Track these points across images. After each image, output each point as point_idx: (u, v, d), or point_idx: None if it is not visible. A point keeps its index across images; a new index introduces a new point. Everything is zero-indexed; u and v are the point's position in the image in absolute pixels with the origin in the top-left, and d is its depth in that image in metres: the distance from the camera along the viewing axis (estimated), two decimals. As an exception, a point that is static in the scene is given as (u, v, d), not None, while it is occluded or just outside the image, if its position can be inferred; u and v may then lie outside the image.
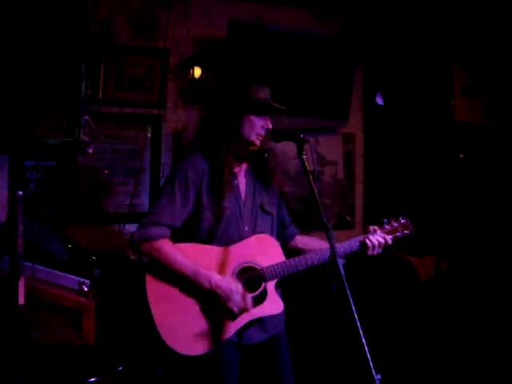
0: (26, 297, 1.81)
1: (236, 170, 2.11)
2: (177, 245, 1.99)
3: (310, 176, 1.82)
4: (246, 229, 2.06)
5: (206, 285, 1.92)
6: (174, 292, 1.97)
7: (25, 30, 1.54)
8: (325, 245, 1.98)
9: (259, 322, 2.03)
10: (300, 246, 2.27)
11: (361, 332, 1.54)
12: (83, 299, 2.43)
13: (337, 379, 3.15)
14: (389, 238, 2.11)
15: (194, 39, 3.95)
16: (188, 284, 1.95)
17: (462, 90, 4.04)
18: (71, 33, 1.56)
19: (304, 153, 1.87)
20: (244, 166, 2.14)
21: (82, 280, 2.47)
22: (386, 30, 4.05)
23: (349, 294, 1.60)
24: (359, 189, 4.34)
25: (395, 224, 2.17)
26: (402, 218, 2.19)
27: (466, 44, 3.94)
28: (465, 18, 3.83)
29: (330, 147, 4.19)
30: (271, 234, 2.14)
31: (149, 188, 3.87)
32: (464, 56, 4.01)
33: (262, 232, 2.08)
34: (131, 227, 3.82)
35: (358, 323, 1.55)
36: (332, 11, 4.16)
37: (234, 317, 1.93)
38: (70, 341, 2.38)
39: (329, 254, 1.85)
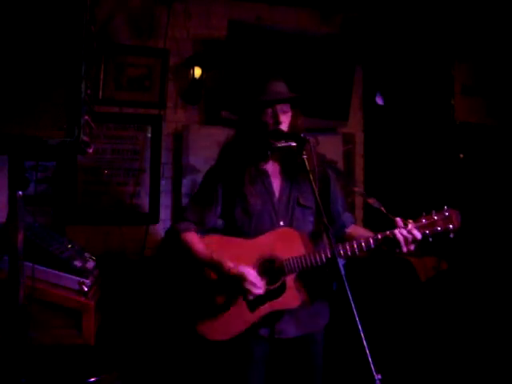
0: (26, 297, 1.81)
1: (266, 167, 2.14)
2: (204, 237, 2.11)
3: (311, 176, 1.82)
4: (282, 223, 2.09)
5: (222, 270, 1.97)
6: (200, 279, 2.07)
7: (25, 30, 1.54)
8: (370, 234, 1.99)
9: (292, 316, 2.05)
10: (352, 234, 2.17)
11: (361, 332, 1.54)
12: (83, 299, 2.43)
13: (337, 379, 3.15)
14: (417, 232, 1.89)
15: (194, 39, 3.96)
16: (207, 272, 2.04)
17: (462, 90, 4.04)
18: (71, 33, 1.56)
19: (304, 153, 1.87)
20: (276, 164, 2.16)
21: (82, 280, 2.47)
22: (385, 30, 4.05)
23: (349, 293, 1.60)
24: (359, 189, 4.34)
25: (435, 217, 1.92)
26: (447, 210, 1.92)
27: (465, 44, 3.94)
28: (465, 18, 3.83)
29: (330, 147, 4.19)
30: (311, 228, 2.14)
31: (149, 188, 3.87)
32: (464, 56, 4.01)
33: (299, 226, 2.09)
34: (131, 227, 3.83)
35: (359, 323, 1.55)
36: (332, 11, 4.16)
37: (250, 301, 1.97)
38: (70, 341, 2.37)
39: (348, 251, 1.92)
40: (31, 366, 1.99)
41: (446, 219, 1.92)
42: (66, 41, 1.56)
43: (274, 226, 2.07)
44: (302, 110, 2.17)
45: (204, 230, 2.15)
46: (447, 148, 4.00)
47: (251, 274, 1.94)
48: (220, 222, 2.18)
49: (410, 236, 1.89)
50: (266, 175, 2.13)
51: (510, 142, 3.98)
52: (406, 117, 4.12)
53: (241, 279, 1.92)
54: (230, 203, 2.12)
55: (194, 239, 2.09)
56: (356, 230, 2.21)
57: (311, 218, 2.14)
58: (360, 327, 1.55)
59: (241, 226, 2.10)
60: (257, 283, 1.93)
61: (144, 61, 3.84)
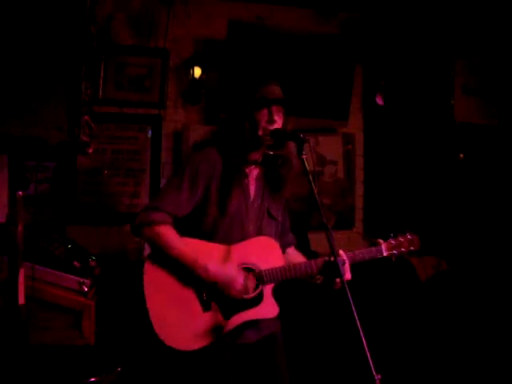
0: (26, 297, 1.81)
1: (248, 171, 2.12)
2: (180, 237, 1.99)
3: (310, 176, 1.82)
4: (251, 228, 2.07)
5: (206, 273, 1.92)
6: (171, 281, 1.96)
7: (25, 30, 1.54)
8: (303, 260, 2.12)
9: (254, 322, 2.03)
10: (290, 255, 2.27)
11: (361, 332, 1.54)
12: (83, 299, 2.43)
13: (337, 379, 3.15)
14: (387, 254, 2.12)
15: (194, 39, 3.96)
16: (186, 273, 1.94)
17: (462, 90, 4.04)
18: (71, 33, 1.56)
19: (304, 153, 1.87)
20: (257, 169, 2.15)
21: (82, 280, 2.47)
22: (386, 30, 4.05)
23: (349, 293, 1.60)
24: (359, 189, 4.34)
25: (401, 239, 2.15)
26: (409, 234, 2.17)
27: (466, 44, 3.95)
28: (465, 18, 3.83)
29: (330, 147, 4.19)
30: (275, 239, 2.14)
31: (149, 188, 3.86)
32: (464, 56, 4.01)
33: (266, 234, 2.09)
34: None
35: (359, 323, 1.55)
36: (332, 11, 4.16)
37: (225, 309, 1.94)
38: (70, 341, 2.38)
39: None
40: (31, 366, 1.99)
41: (410, 242, 2.16)
42: (66, 41, 1.56)
43: (243, 229, 2.05)
44: (300, 110, 2.18)
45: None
46: (447, 148, 4.01)
47: (240, 276, 1.93)
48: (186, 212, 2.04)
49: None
50: (245, 177, 2.10)
51: (510, 142, 3.98)
52: (406, 117, 4.12)
53: (230, 282, 1.91)
54: (207, 198, 2.03)
55: (173, 236, 1.96)
56: (294, 252, 2.31)
57: (275, 230, 2.17)
58: (360, 327, 1.55)
59: (211, 224, 2.02)
60: (247, 288, 1.93)
61: (144, 61, 3.84)
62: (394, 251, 2.13)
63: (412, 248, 2.15)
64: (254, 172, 2.14)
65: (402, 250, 2.14)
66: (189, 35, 3.95)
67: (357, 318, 1.56)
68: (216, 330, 1.94)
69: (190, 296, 1.96)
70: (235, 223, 2.04)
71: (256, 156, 2.11)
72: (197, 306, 1.96)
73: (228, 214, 2.02)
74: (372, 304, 3.32)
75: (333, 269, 1.88)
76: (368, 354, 1.52)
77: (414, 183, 4.06)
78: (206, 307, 1.96)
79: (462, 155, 3.98)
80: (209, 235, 2.02)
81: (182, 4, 3.90)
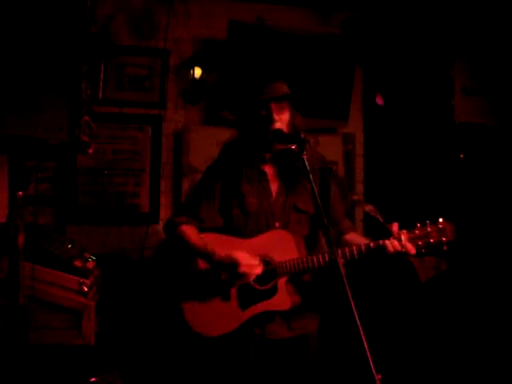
0: (26, 297, 1.81)
1: (265, 168, 2.14)
2: (200, 234, 2.10)
3: (311, 176, 1.82)
4: (277, 225, 2.09)
5: (214, 259, 1.98)
6: (195, 273, 2.06)
7: (25, 30, 1.54)
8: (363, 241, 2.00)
9: (284, 318, 2.06)
10: (349, 241, 2.15)
11: (361, 332, 1.54)
12: (83, 299, 2.43)
13: (337, 379, 3.15)
14: (411, 246, 1.89)
15: (194, 39, 3.96)
16: (201, 265, 2.05)
17: (462, 89, 4.04)
18: (71, 33, 1.56)
19: (304, 153, 1.87)
20: (274, 167, 2.16)
21: (82, 280, 2.47)
22: (386, 30, 4.05)
23: (349, 293, 1.60)
24: (359, 189, 4.34)
25: (429, 228, 1.91)
26: (441, 223, 1.91)
27: (465, 44, 3.94)
28: (465, 18, 3.83)
29: (330, 147, 4.19)
30: (306, 232, 2.14)
31: (149, 188, 3.87)
32: (464, 56, 4.01)
33: (294, 230, 2.09)
34: (131, 227, 3.83)
35: (359, 323, 1.55)
36: (332, 11, 4.16)
37: (242, 300, 1.99)
38: (70, 341, 2.38)
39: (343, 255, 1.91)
40: (31, 366, 1.99)
41: (440, 231, 1.91)
42: (66, 41, 1.56)
43: (269, 227, 2.08)
44: (301, 110, 2.16)
45: (201, 227, 2.14)
46: (447, 148, 4.00)
47: (245, 256, 1.94)
48: (218, 219, 2.17)
49: (402, 249, 1.89)
50: (264, 176, 2.13)
51: (510, 142, 3.98)
52: (406, 117, 4.12)
53: (236, 264, 1.93)
54: (228, 201, 2.12)
55: (190, 232, 2.10)
56: (353, 237, 2.20)
57: (307, 223, 2.15)
58: (360, 327, 1.55)
59: (237, 225, 2.10)
60: (253, 263, 1.94)
61: (144, 61, 3.84)
62: (419, 242, 1.90)
63: (444, 239, 1.89)
64: (272, 170, 2.15)
65: (430, 240, 1.89)
66: (189, 35, 3.95)
67: (357, 318, 1.56)
68: (233, 320, 2.01)
69: (209, 286, 2.04)
70: (260, 222, 2.08)
71: (269, 155, 2.13)
72: (216, 296, 2.03)
73: (250, 213, 2.08)
74: (372, 304, 3.31)
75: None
76: (368, 353, 1.52)
77: (413, 183, 4.05)
78: (226, 298, 2.02)
79: (462, 155, 3.98)
80: (238, 235, 2.09)
81: (181, 4, 3.90)
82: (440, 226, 1.92)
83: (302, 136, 1.89)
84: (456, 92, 4.01)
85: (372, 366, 1.51)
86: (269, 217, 2.09)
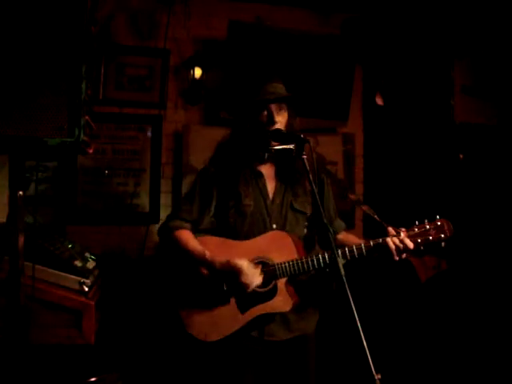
0: (26, 297, 1.81)
1: (261, 169, 2.14)
2: (197, 237, 2.08)
3: (310, 176, 1.82)
4: (274, 226, 2.08)
5: (215, 268, 1.97)
6: (193, 278, 2.04)
7: (25, 30, 1.54)
8: (361, 241, 2.00)
9: (282, 319, 2.05)
10: (343, 241, 2.20)
11: (361, 332, 1.54)
12: (83, 299, 2.43)
13: (337, 379, 3.15)
14: (410, 242, 1.91)
15: (194, 39, 3.96)
16: (201, 271, 2.02)
17: (462, 89, 4.04)
18: (71, 33, 1.56)
19: (304, 153, 1.87)
20: (271, 167, 2.16)
21: (82, 280, 2.47)
22: (385, 30, 4.05)
23: (349, 293, 1.60)
24: (359, 189, 4.34)
25: (427, 226, 1.93)
26: (439, 220, 1.94)
27: (465, 44, 3.95)
28: (465, 18, 3.83)
29: (330, 147, 4.19)
30: (304, 232, 2.14)
31: (149, 188, 3.87)
32: (464, 56, 4.01)
33: (292, 230, 2.09)
34: (131, 227, 3.83)
35: (358, 323, 1.55)
36: (332, 11, 4.16)
37: (241, 303, 1.97)
38: (70, 341, 2.38)
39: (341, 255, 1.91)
40: (31, 366, 1.99)
41: (438, 228, 1.94)
42: (66, 41, 1.56)
43: (266, 228, 2.07)
44: (300, 110, 2.16)
45: (197, 230, 2.13)
46: (447, 148, 4.01)
47: (246, 265, 1.93)
48: (214, 221, 2.15)
49: (401, 245, 1.91)
50: (260, 176, 2.12)
51: (510, 142, 3.98)
52: (406, 117, 4.12)
53: (237, 273, 1.92)
54: (224, 203, 2.10)
55: (187, 237, 2.07)
56: (347, 236, 2.24)
57: (304, 223, 2.15)
58: (359, 327, 1.55)
59: (234, 226, 2.08)
60: (254, 274, 1.93)
61: (144, 61, 3.84)
62: (418, 240, 1.92)
63: (442, 235, 1.91)
64: (269, 171, 2.15)
65: (429, 238, 1.92)
66: (189, 35, 3.95)
67: (357, 317, 1.56)
68: (233, 323, 1.99)
69: (208, 290, 2.02)
70: (256, 223, 2.07)
71: (265, 156, 2.12)
72: (215, 300, 2.02)
73: (246, 215, 2.06)
74: (372, 304, 3.32)
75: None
76: (368, 353, 1.52)
77: (413, 183, 4.05)
78: (225, 301, 2.01)
79: (461, 155, 3.98)
80: (234, 237, 2.07)
81: (181, 4, 3.90)
82: (438, 223, 1.94)
83: (302, 136, 1.89)
84: (456, 92, 4.01)
85: (371, 365, 1.51)
86: (265, 218, 2.08)
